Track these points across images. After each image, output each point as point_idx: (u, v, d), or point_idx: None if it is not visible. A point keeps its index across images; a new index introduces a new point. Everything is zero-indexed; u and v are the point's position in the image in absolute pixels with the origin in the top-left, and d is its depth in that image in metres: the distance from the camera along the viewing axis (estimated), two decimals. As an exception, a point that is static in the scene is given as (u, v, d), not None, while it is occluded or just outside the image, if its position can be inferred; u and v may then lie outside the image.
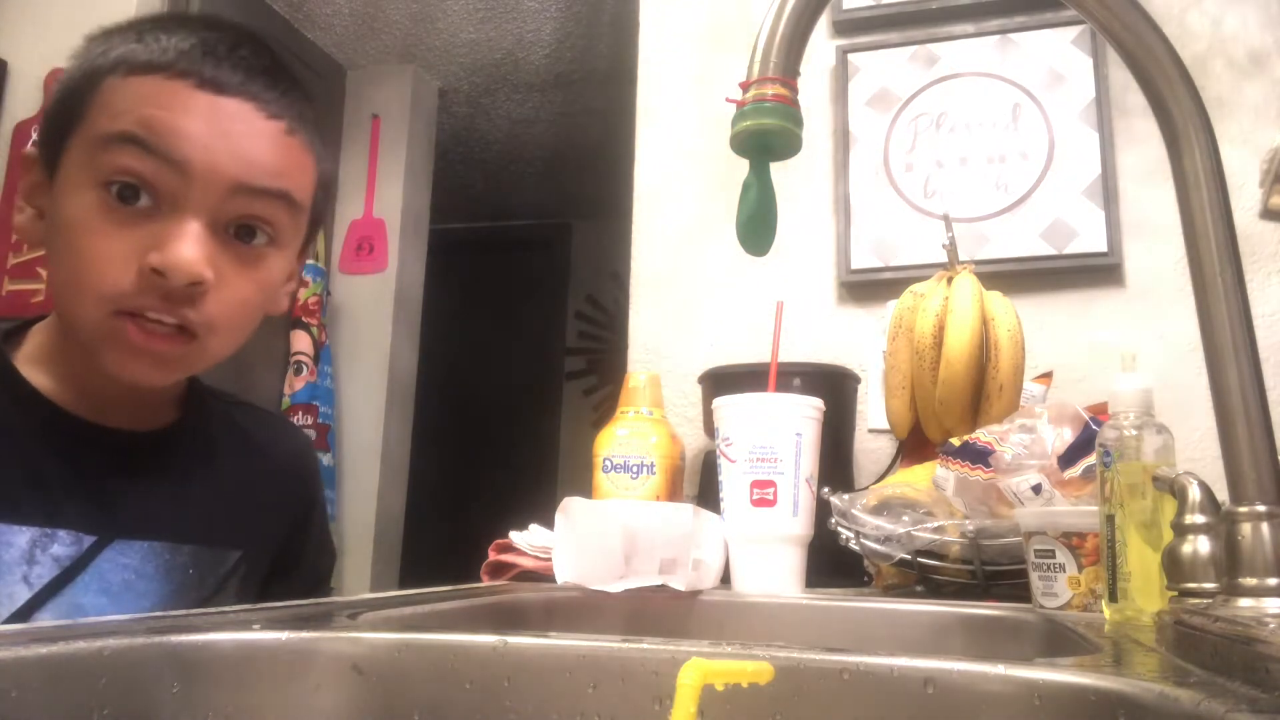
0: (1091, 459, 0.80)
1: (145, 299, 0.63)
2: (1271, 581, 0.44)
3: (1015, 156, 1.44)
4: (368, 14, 2.79)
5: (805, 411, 0.95)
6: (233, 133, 0.66)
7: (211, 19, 0.72)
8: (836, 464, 1.21)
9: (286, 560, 0.86)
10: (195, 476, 0.78)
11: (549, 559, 0.92)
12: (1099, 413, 0.88)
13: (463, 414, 3.99)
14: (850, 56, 1.56)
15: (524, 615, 0.86)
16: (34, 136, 2.18)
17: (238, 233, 0.67)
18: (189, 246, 0.63)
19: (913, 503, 0.96)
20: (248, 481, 0.83)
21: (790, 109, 0.60)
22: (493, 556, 1.03)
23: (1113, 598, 0.65)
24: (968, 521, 0.90)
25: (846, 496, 0.99)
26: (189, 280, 0.63)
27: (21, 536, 0.65)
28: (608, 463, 1.07)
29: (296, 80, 0.72)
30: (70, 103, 0.66)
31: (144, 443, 0.75)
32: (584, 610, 0.86)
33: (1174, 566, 0.53)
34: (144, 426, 0.75)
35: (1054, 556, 0.75)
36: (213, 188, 0.65)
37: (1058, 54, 1.46)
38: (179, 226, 0.63)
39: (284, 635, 0.46)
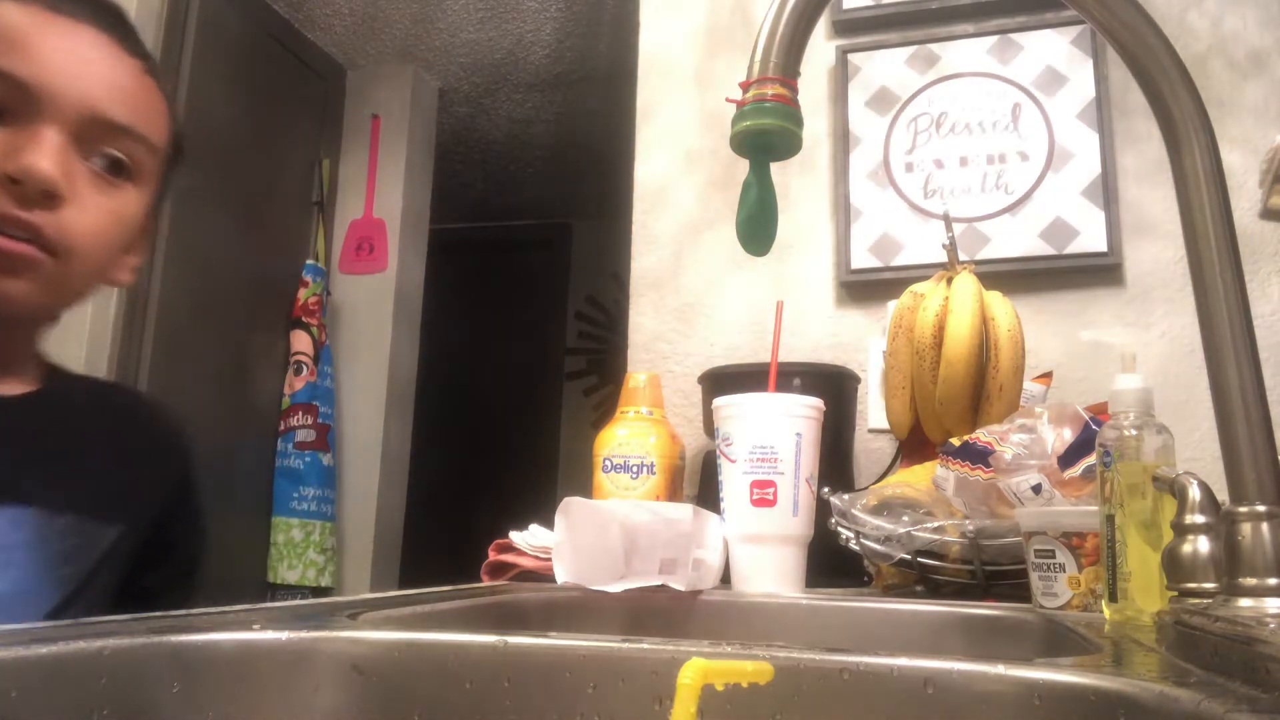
0: (1091, 459, 0.80)
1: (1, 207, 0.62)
2: (1271, 581, 0.44)
3: (1015, 156, 1.44)
4: (368, 14, 2.79)
5: (805, 411, 0.95)
6: (93, 59, 0.66)
7: None
8: (836, 464, 1.21)
9: (161, 541, 0.80)
10: (64, 445, 0.74)
11: (549, 559, 0.92)
12: (1099, 413, 0.88)
13: (463, 414, 3.99)
14: (850, 56, 1.56)
15: (524, 615, 0.86)
16: None
17: (100, 163, 0.67)
18: (45, 155, 0.62)
19: (913, 503, 0.96)
20: (121, 454, 0.78)
21: (790, 109, 0.60)
22: (493, 556, 1.03)
23: (1113, 598, 0.65)
24: (968, 521, 0.90)
25: (846, 496, 0.99)
26: (43, 187, 0.62)
27: None
28: (608, 463, 1.07)
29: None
30: None
31: (3, 407, 0.71)
32: (584, 610, 0.86)
33: (1174, 566, 0.53)
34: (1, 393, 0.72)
35: (1054, 556, 0.75)
36: (71, 108, 0.64)
37: (1058, 54, 1.46)
38: (34, 136, 0.63)
39: (284, 635, 0.46)
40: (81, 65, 0.65)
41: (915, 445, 1.20)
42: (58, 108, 0.63)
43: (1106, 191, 1.39)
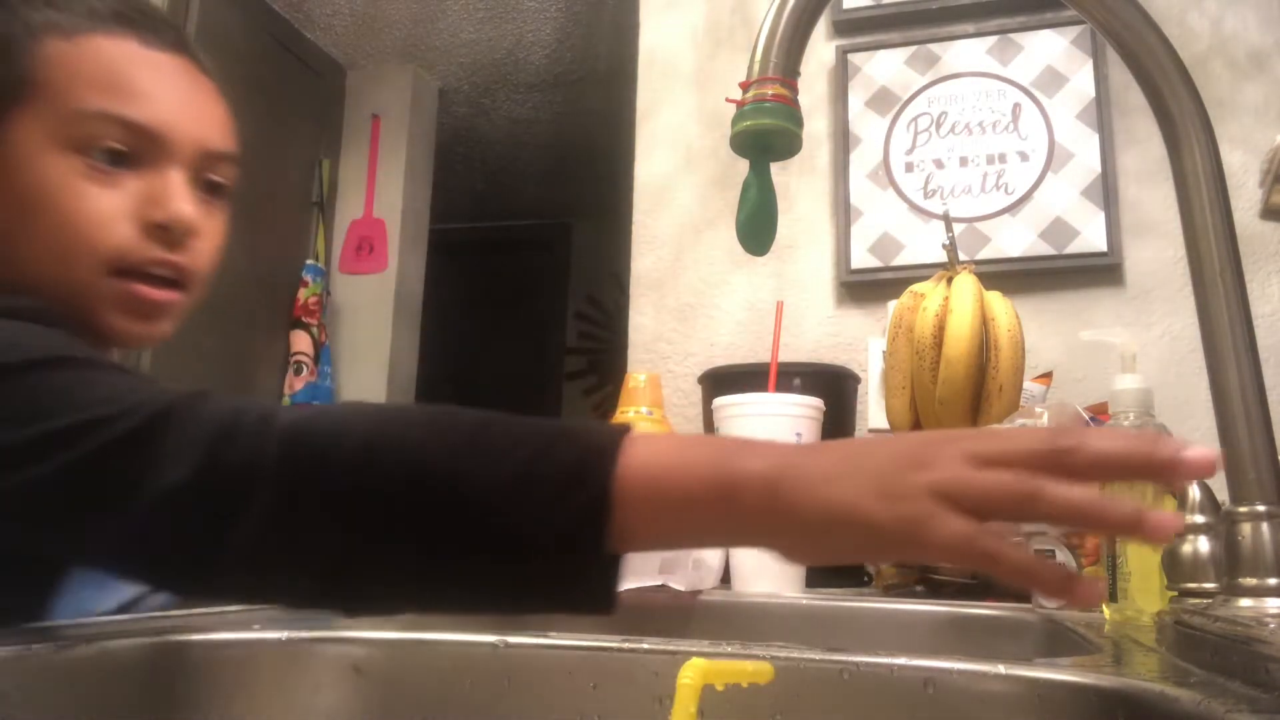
0: (1091, 459, 0.79)
1: (149, 253, 0.64)
2: (1271, 581, 0.44)
3: (1015, 156, 1.44)
4: (368, 14, 2.79)
5: (805, 411, 0.95)
6: (195, 94, 0.69)
7: None
8: (836, 464, 1.21)
9: None
10: None
11: (549, 559, 0.92)
12: (1099, 413, 0.88)
13: (463, 414, 3.98)
14: (850, 56, 1.56)
15: (524, 615, 0.85)
16: None
17: (199, 187, 0.69)
18: (185, 200, 0.65)
19: (913, 503, 0.96)
20: None
21: (790, 109, 0.60)
22: (493, 556, 1.03)
23: (1113, 598, 0.65)
24: (968, 521, 0.89)
25: (846, 496, 0.99)
26: (190, 232, 0.65)
27: None
28: (608, 463, 1.07)
29: None
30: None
31: None
32: (584, 610, 0.86)
33: (1174, 566, 0.53)
34: None
35: (1054, 556, 0.75)
36: (189, 147, 0.66)
37: (1058, 54, 1.46)
38: (166, 181, 0.65)
39: (284, 635, 0.46)
40: (190, 103, 0.68)
41: (915, 445, 1.20)
42: (179, 149, 0.66)
43: (1106, 191, 1.38)
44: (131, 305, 0.65)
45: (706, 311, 1.56)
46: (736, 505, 0.38)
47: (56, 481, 0.42)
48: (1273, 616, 0.42)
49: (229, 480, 0.39)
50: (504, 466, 0.38)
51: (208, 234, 0.69)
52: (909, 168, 1.48)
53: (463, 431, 0.40)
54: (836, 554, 0.39)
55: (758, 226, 0.65)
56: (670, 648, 0.43)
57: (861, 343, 1.45)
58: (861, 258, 1.47)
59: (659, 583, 0.84)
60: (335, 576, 0.40)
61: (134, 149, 0.64)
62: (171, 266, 0.66)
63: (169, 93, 0.66)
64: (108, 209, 0.63)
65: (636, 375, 1.13)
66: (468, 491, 0.38)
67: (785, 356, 1.08)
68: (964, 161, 1.46)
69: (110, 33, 0.65)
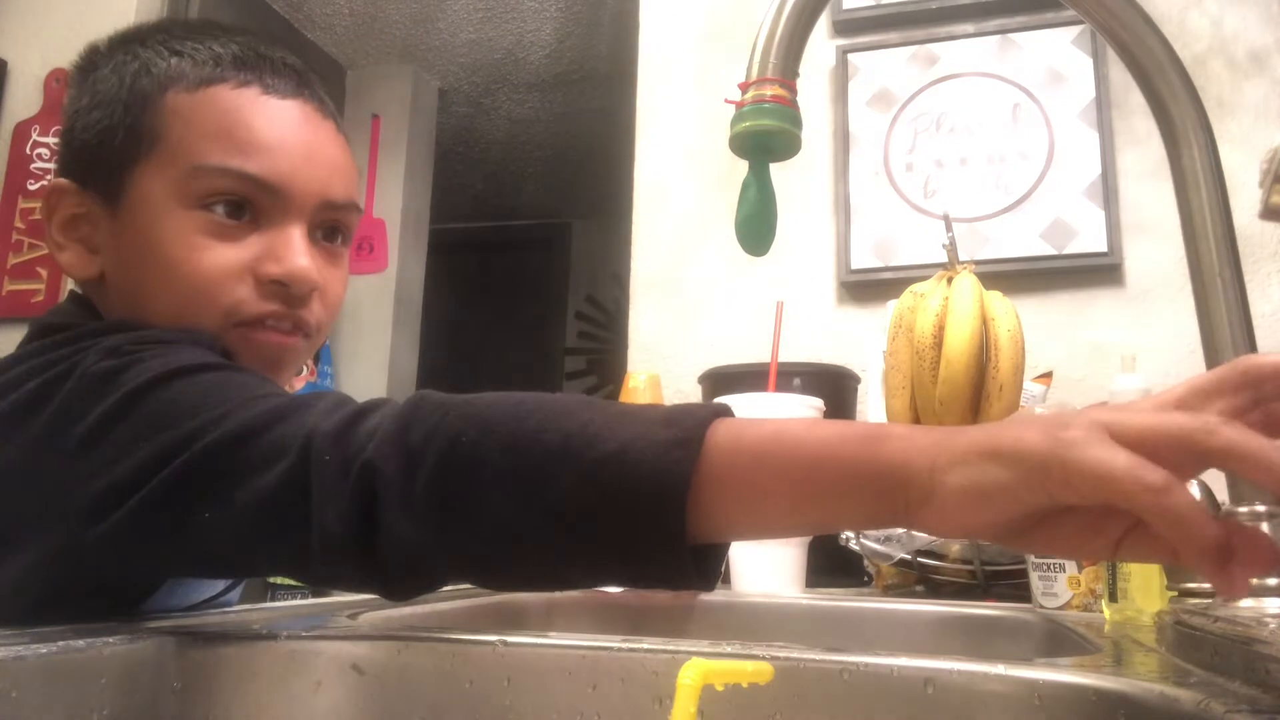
0: (1091, 459, 0.79)
1: (266, 308, 0.63)
2: (1271, 581, 0.44)
3: (1015, 156, 1.44)
4: (368, 14, 2.79)
5: (805, 412, 0.95)
6: (317, 145, 0.67)
7: (216, 25, 0.70)
8: (836, 464, 1.21)
9: None
10: None
11: (549, 559, 0.92)
12: (1099, 413, 0.88)
13: (463, 414, 3.98)
14: (850, 56, 1.56)
15: (524, 615, 0.86)
16: (47, 164, 2.18)
17: (320, 235, 0.69)
18: (303, 255, 0.64)
19: (913, 503, 0.96)
20: None
21: (789, 110, 0.60)
22: (493, 556, 1.03)
23: (1113, 598, 0.65)
24: (968, 521, 0.89)
25: (846, 496, 0.99)
26: (309, 288, 0.64)
27: None
28: (608, 463, 1.07)
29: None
30: (125, 129, 0.63)
31: None
32: (584, 610, 0.86)
33: (1174, 566, 0.52)
34: None
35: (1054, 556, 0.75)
36: (309, 201, 0.65)
37: (1058, 54, 1.46)
38: (286, 236, 0.64)
39: (284, 635, 0.46)
40: (310, 153, 0.66)
41: (915, 445, 1.20)
42: (299, 201, 0.64)
43: (1106, 191, 1.39)
44: (254, 352, 0.63)
45: (706, 311, 1.56)
46: (862, 475, 0.39)
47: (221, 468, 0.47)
48: (1273, 616, 0.42)
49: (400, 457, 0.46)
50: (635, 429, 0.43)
51: (329, 283, 0.68)
52: (909, 168, 1.48)
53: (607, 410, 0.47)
54: (977, 498, 0.36)
55: (757, 227, 0.65)
56: (670, 648, 0.43)
57: (861, 343, 1.45)
58: (861, 258, 1.47)
59: (659, 583, 0.84)
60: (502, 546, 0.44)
61: (253, 202, 0.63)
62: (292, 320, 0.65)
63: (289, 144, 0.64)
64: (224, 264, 0.62)
65: (636, 375, 1.13)
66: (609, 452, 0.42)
67: (785, 356, 1.08)
68: (964, 161, 1.46)
69: (232, 82, 0.64)
